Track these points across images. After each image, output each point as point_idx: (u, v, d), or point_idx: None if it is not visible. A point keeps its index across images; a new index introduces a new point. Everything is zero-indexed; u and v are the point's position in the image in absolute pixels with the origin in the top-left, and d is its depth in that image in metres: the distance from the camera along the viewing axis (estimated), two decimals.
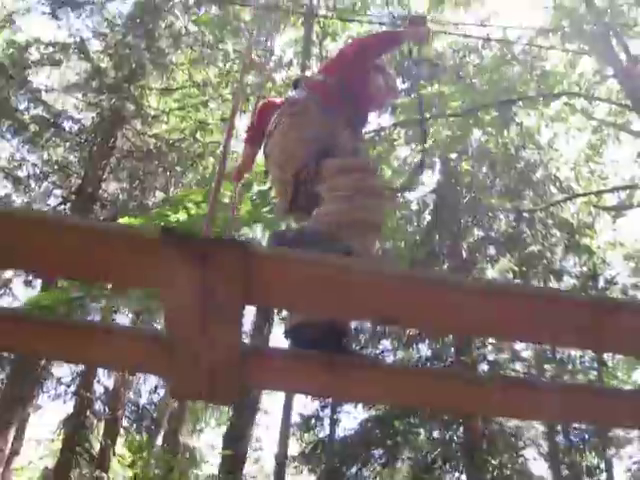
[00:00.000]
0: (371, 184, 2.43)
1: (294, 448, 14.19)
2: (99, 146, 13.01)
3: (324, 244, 2.14)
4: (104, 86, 12.73)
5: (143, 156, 13.56)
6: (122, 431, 14.17)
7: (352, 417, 14.51)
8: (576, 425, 12.86)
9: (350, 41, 3.22)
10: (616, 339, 1.70)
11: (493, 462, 12.26)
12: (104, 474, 11.16)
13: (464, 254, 12.62)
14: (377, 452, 13.68)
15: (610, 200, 12.04)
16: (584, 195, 11.43)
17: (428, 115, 9.41)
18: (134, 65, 12.50)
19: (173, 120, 14.20)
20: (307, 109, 2.70)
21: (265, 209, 6.33)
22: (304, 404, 14.11)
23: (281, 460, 9.66)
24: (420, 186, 15.14)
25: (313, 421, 13.04)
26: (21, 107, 12.95)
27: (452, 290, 1.51)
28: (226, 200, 5.24)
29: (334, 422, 14.28)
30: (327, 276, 1.45)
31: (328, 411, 13.40)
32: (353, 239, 2.26)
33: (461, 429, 12.46)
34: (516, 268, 11.61)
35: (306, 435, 12.99)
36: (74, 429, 12.22)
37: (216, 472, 16.41)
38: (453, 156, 13.11)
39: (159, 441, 13.96)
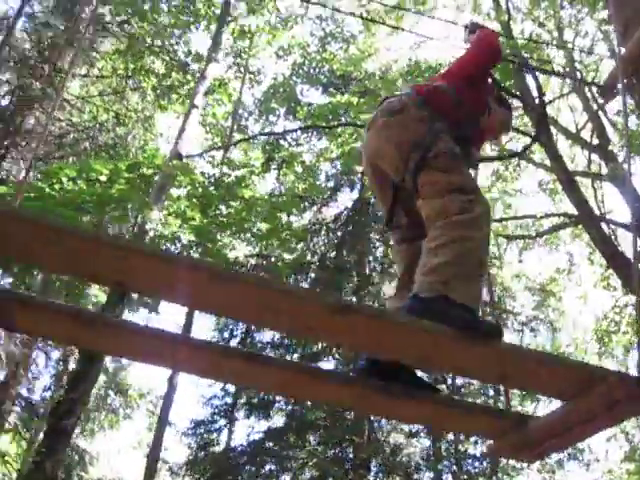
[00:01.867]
0: (470, 220, 2.25)
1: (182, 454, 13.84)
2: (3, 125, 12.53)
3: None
4: (17, 63, 12.31)
5: (53, 141, 13.16)
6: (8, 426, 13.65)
7: (247, 428, 14.18)
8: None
9: (468, 51, 2.91)
10: (347, 336, 1.97)
11: None
12: None
13: (367, 270, 12.66)
14: (268, 466, 13.44)
15: (515, 230, 12.29)
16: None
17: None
18: (48, 43, 12.12)
19: (90, 108, 13.89)
20: (405, 108, 2.52)
21: None
22: (196, 410, 13.78)
23: (152, 461, 9.33)
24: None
25: (202, 428, 12.69)
26: None
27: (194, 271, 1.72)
28: None
29: (230, 432, 14.01)
30: None
31: (220, 419, 13.08)
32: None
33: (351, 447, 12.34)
34: None
35: (193, 441, 12.62)
36: None
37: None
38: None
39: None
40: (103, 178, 6.70)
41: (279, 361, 2.74)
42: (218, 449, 12.70)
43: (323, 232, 14.04)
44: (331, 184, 15.38)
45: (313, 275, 14.21)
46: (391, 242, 2.89)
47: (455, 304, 2.09)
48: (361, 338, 1.97)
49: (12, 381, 13.87)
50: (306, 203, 15.01)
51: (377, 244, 13.37)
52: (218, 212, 7.78)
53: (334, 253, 13.76)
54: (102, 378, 15.63)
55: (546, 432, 2.27)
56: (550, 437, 2.29)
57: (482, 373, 2.22)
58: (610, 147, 10.02)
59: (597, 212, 10.24)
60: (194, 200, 7.40)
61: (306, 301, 1.82)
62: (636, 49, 4.28)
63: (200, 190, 7.69)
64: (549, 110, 11.10)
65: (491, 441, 2.50)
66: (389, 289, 12.56)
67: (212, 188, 8.06)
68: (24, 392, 15.00)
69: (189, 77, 10.99)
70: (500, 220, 11.84)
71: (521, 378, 2.11)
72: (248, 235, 9.72)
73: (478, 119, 2.80)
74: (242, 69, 14.89)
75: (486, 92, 2.87)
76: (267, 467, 13.34)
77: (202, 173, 8.78)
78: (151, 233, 7.23)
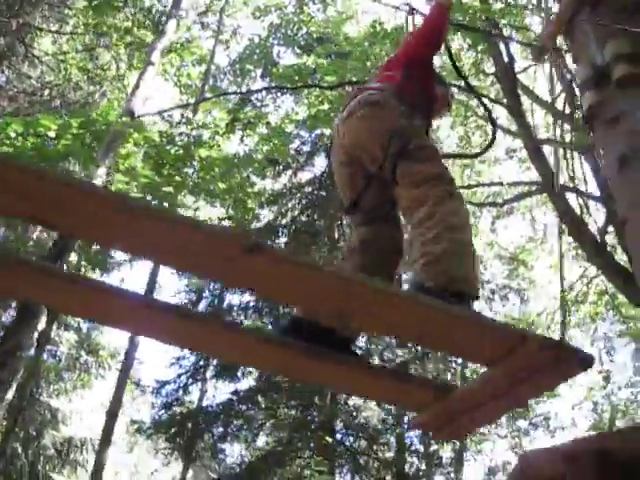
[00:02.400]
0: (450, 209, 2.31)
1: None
2: None
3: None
4: None
5: (24, 99, 12.99)
6: None
7: (217, 390, 14.31)
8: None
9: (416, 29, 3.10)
10: (258, 279, 1.79)
11: (345, 445, 12.37)
12: None
13: (336, 234, 12.67)
14: (236, 425, 13.60)
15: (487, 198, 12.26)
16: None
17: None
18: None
19: (62, 66, 13.65)
20: (386, 101, 2.59)
21: None
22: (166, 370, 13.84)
23: (111, 416, 9.42)
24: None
25: (171, 387, 12.78)
26: None
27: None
28: None
29: (202, 392, 14.14)
30: None
31: (187, 380, 13.16)
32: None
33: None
34: None
35: (160, 401, 12.73)
36: None
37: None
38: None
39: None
40: (52, 134, 6.60)
41: (191, 314, 2.48)
42: (183, 409, 12.79)
43: (298, 196, 14.01)
44: (307, 148, 15.32)
45: (285, 239, 14.23)
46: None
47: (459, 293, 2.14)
48: (273, 282, 1.81)
49: None
50: (281, 167, 14.96)
51: None
52: (174, 172, 7.69)
53: (305, 217, 13.75)
54: (74, 337, 15.68)
55: (467, 403, 2.12)
56: (472, 408, 2.13)
57: (399, 330, 2.08)
58: (577, 115, 9.93)
59: (567, 182, 10.24)
60: (148, 159, 7.31)
61: (215, 238, 1.68)
62: (568, 8, 4.20)
63: (155, 149, 7.60)
64: (524, 78, 11.02)
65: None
66: None
67: (169, 147, 7.97)
68: None
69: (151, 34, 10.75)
70: (468, 187, 11.81)
71: (437, 337, 1.96)
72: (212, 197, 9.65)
73: (433, 104, 2.90)
74: (217, 28, 14.65)
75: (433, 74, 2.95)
76: (234, 428, 13.51)
77: (160, 132, 8.68)
78: None
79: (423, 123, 2.73)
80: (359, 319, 1.96)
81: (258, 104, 11.79)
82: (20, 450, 13.98)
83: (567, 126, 11.82)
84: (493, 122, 4.08)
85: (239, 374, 13.71)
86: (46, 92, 13.31)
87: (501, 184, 10.70)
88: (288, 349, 2.09)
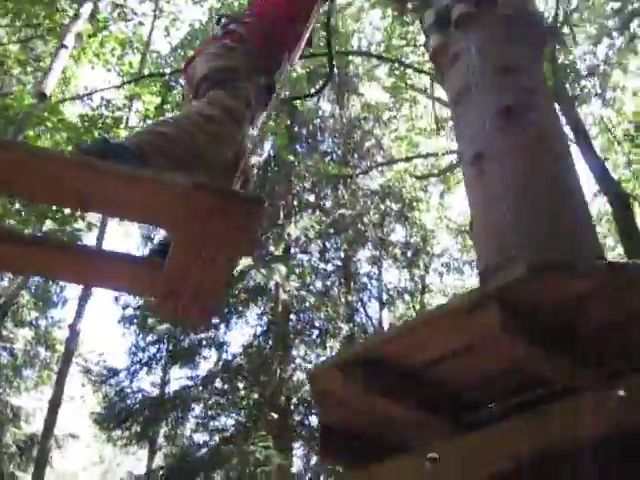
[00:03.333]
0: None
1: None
2: None
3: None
4: None
5: None
6: None
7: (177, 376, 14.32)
8: None
9: None
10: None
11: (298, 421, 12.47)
12: None
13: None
14: (197, 411, 13.64)
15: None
16: (394, 163, 11.65)
17: None
18: None
19: None
20: (234, 47, 2.68)
21: None
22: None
23: (52, 408, 9.40)
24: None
25: (119, 377, 12.77)
26: None
27: None
28: None
29: (163, 382, 14.15)
30: None
31: (142, 368, 13.15)
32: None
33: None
34: (317, 226, 11.78)
35: (114, 391, 12.71)
36: None
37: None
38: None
39: None
40: None
41: None
42: (138, 397, 12.79)
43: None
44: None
45: None
46: None
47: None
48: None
49: None
50: None
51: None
52: None
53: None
54: (30, 334, 15.59)
55: (181, 278, 1.92)
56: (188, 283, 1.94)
57: (56, 196, 1.88)
58: None
59: None
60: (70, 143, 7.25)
61: None
62: None
63: (74, 132, 7.56)
64: None
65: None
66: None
67: (84, 130, 7.90)
68: None
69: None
70: (407, 159, 11.88)
71: (102, 200, 1.75)
72: None
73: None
74: (155, 14, 14.54)
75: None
76: (193, 414, 13.56)
77: (81, 115, 8.61)
78: None
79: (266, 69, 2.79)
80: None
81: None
82: None
83: None
84: (331, 67, 4.12)
85: (197, 359, 13.76)
86: None
87: (436, 155, 10.78)
88: None
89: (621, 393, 2.17)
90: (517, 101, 3.10)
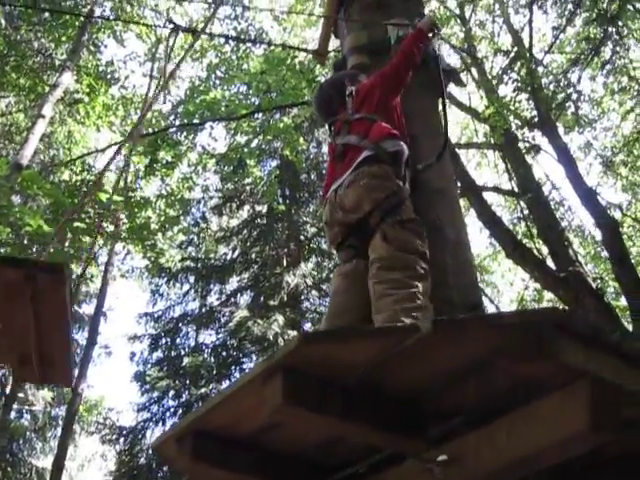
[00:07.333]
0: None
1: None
2: None
3: None
4: None
5: None
6: None
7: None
8: None
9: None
10: None
11: None
12: None
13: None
14: None
15: None
16: None
17: None
18: None
19: None
20: (385, 171, 2.81)
21: None
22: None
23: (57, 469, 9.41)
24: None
25: (129, 437, 12.64)
26: None
27: None
28: None
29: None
30: None
31: (151, 425, 13.08)
32: None
33: None
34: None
35: (122, 450, 12.62)
36: None
37: None
38: None
39: None
40: None
41: None
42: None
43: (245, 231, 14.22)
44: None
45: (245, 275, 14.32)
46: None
47: None
48: None
49: None
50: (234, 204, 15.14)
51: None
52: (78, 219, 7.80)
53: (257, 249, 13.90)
54: (49, 395, 15.68)
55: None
56: None
57: None
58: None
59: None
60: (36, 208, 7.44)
61: None
62: (330, 8, 4.31)
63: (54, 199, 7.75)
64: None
65: None
66: None
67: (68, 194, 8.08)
68: None
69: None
70: None
71: None
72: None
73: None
74: (155, 73, 14.91)
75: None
76: None
77: (63, 181, 8.79)
78: None
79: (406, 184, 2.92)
80: None
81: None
82: None
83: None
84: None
85: None
86: None
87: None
88: None
89: (443, 457, 2.05)
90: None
